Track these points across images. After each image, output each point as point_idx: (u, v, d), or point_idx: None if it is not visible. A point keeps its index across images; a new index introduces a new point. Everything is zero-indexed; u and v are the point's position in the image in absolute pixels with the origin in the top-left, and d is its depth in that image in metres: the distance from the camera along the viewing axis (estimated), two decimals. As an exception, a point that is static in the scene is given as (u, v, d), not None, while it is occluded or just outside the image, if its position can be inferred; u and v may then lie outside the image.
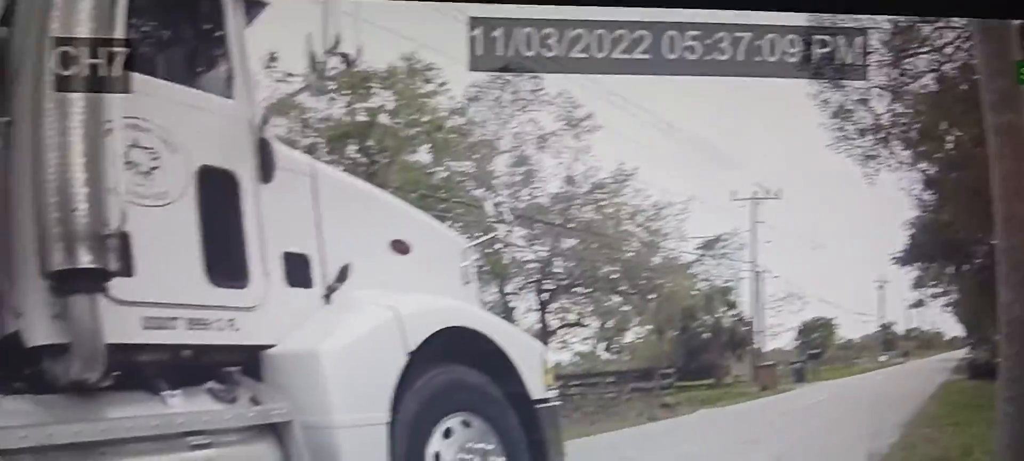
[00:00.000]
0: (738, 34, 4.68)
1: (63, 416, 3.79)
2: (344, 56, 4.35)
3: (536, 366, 4.97)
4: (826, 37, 4.77)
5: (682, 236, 7.06)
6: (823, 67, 4.87)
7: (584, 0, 4.42)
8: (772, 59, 4.72)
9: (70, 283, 3.78)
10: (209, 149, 4.26)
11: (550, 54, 4.50)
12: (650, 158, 5.72)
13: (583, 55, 4.53)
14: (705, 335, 7.91)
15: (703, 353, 8.34)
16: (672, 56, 4.62)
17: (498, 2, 4.45)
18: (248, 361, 4.37)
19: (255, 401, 4.23)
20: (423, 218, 5.42)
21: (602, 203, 6.85)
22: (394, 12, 4.56)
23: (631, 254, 7.09)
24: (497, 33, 4.46)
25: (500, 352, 4.81)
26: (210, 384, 4.21)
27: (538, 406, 4.90)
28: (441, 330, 4.61)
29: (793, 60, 4.77)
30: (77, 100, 3.85)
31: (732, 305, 8.01)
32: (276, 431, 4.18)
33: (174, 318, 4.11)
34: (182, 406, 4.06)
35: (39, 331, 3.82)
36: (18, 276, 3.89)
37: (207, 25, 4.55)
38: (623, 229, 6.97)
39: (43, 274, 3.77)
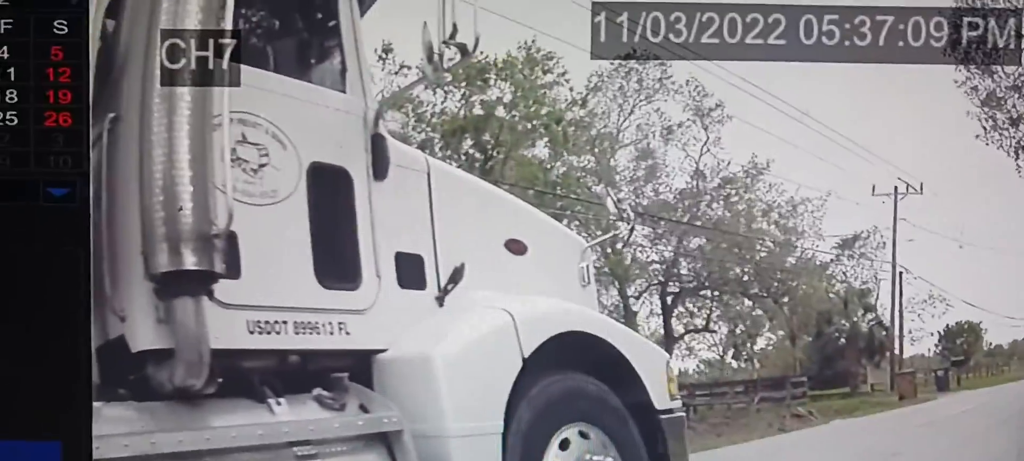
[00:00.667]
0: (880, 17, 4.42)
1: (166, 424, 3.73)
2: (461, 46, 4.21)
3: (659, 374, 4.77)
4: (976, 19, 4.49)
5: (818, 234, 6.76)
6: (973, 51, 4.60)
7: (715, -16, 4.18)
8: (917, 44, 4.45)
9: (175, 286, 3.72)
10: (321, 145, 4.18)
11: (678, 40, 4.32)
12: (785, 151, 5.49)
13: (714, 40, 4.33)
14: (841, 341, 7.58)
15: (838, 360, 7.98)
16: (809, 41, 4.40)
17: (621, -13, 4.23)
18: (358, 366, 4.27)
19: (364, 409, 4.13)
20: (540, 216, 5.26)
21: (732, 199, 6.58)
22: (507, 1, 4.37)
23: (763, 254, 6.79)
24: (622, 18, 4.29)
25: (621, 359, 4.62)
26: (318, 391, 4.11)
27: (661, 417, 4.71)
28: (558, 335, 4.45)
29: (940, 44, 4.50)
30: (184, 94, 3.79)
31: (870, 308, 7.64)
32: (386, 440, 4.07)
33: (282, 322, 4.02)
34: (288, 414, 3.97)
35: (143, 336, 3.78)
36: (122, 278, 3.86)
37: (319, 15, 4.48)
38: (755, 227, 6.69)
39: (148, 276, 3.72)
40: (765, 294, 7.15)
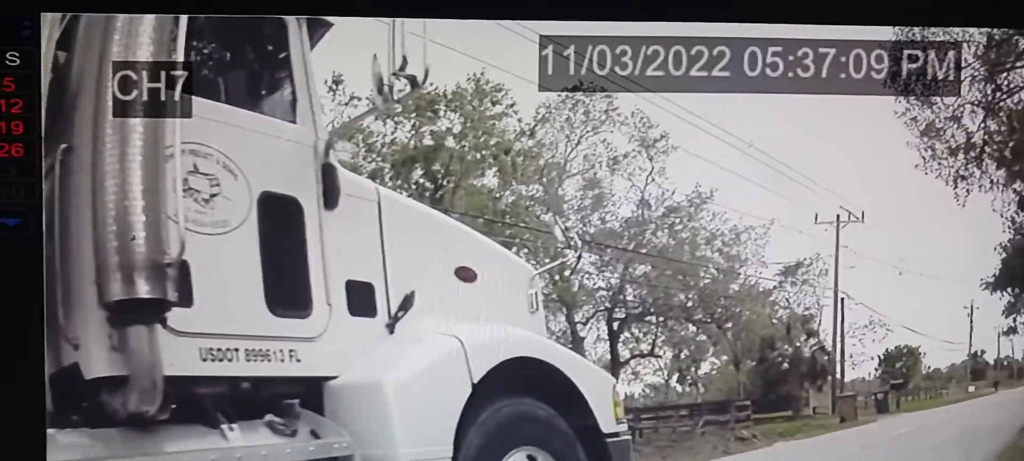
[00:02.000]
0: (823, 49, 4.55)
1: (120, 450, 3.81)
2: (411, 78, 4.35)
3: (606, 398, 4.90)
4: (916, 51, 4.64)
5: (762, 262, 6.83)
6: (912, 83, 4.73)
7: (661, 16, 4.29)
8: (858, 75, 4.59)
9: (128, 314, 3.79)
10: (272, 175, 4.25)
11: (624, 72, 4.43)
12: (729, 180, 5.56)
13: (659, 73, 4.45)
14: (784, 365, 7.67)
15: (781, 384, 8.11)
16: (753, 73, 4.51)
17: (570, 19, 4.33)
18: (309, 393, 4.33)
19: (315, 435, 4.21)
20: (489, 244, 5.37)
21: (677, 227, 6.64)
22: (462, 32, 4.49)
23: (707, 281, 6.87)
24: (568, 51, 4.38)
25: (569, 384, 4.74)
26: (269, 417, 4.19)
27: (608, 440, 4.83)
28: (507, 361, 4.55)
29: (880, 76, 4.64)
30: (136, 125, 3.88)
31: (813, 333, 7.75)
32: None
33: (234, 349, 4.10)
34: (241, 440, 4.05)
35: (97, 363, 3.84)
36: (75, 307, 3.92)
37: (270, 47, 4.55)
38: (699, 255, 6.76)
39: (101, 305, 3.79)
40: (709, 320, 7.25)
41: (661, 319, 6.97)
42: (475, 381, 4.42)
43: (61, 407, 3.91)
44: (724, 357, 7.75)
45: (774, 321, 7.66)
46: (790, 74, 4.55)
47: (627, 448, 4.97)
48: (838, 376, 7.97)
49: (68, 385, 3.90)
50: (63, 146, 3.94)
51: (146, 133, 3.86)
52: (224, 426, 4.07)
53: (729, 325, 7.06)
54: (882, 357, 7.90)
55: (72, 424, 3.88)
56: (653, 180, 6.20)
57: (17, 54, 3.90)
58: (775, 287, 7.22)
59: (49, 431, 3.86)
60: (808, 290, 7.31)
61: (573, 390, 4.74)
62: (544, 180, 5.88)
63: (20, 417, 3.98)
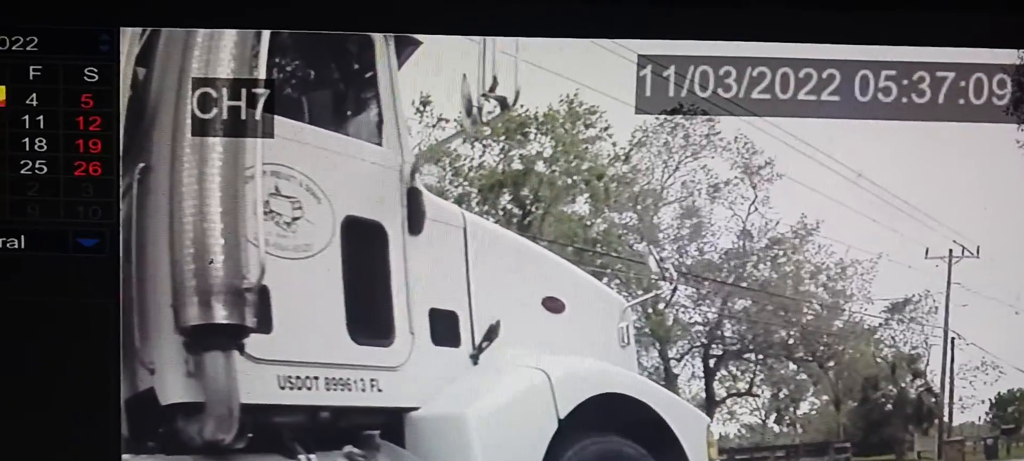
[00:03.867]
0: (941, 73, 4.37)
1: None
2: (501, 99, 4.28)
3: (699, 439, 4.87)
4: None
5: (868, 298, 6.58)
6: None
7: (767, 36, 4.11)
8: (978, 102, 4.42)
9: (205, 339, 3.77)
10: (356, 199, 4.20)
11: (727, 95, 4.32)
12: (836, 211, 5.35)
13: (765, 96, 4.32)
14: (887, 407, 7.36)
15: (884, 426, 7.79)
16: (864, 98, 4.36)
17: (670, 38, 4.19)
18: (390, 424, 4.24)
19: None
20: (579, 274, 5.17)
21: (780, 260, 6.44)
22: (555, 52, 4.39)
23: (810, 317, 6.64)
24: (668, 72, 4.28)
25: (660, 422, 4.65)
26: (348, 448, 4.11)
27: None
28: (595, 396, 4.45)
29: (1003, 103, 4.45)
30: (216, 145, 3.85)
31: (919, 374, 7.43)
32: None
33: (313, 377, 4.03)
34: None
35: (173, 389, 3.83)
36: (152, 330, 3.91)
37: (356, 66, 4.47)
38: (802, 289, 6.53)
39: (178, 329, 3.79)
40: (811, 358, 6.99)
41: (760, 357, 6.74)
42: (561, 416, 4.31)
43: (136, 433, 3.90)
44: (825, 397, 7.47)
45: (879, 360, 7.38)
46: (904, 99, 4.39)
47: None
48: (945, 419, 7.66)
49: (144, 411, 3.88)
50: (141, 165, 3.93)
51: (226, 153, 3.83)
52: (302, 456, 4.00)
53: (831, 364, 6.82)
54: (993, 400, 7.56)
55: (148, 450, 3.88)
56: (756, 209, 6.01)
57: (95, 70, 3.87)
58: (881, 325, 6.95)
59: (124, 457, 3.87)
60: (916, 328, 7.01)
61: (665, 429, 4.66)
62: (639, 207, 5.75)
63: (96, 443, 3.98)
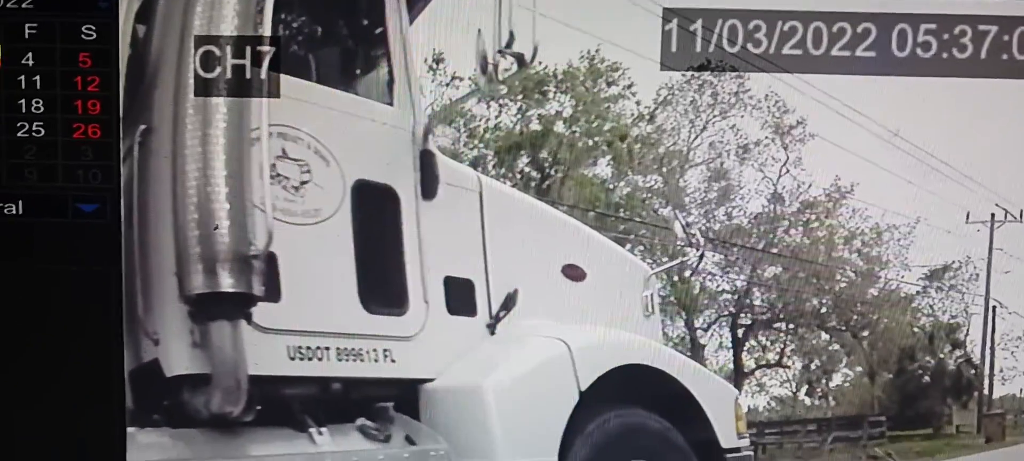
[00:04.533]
0: (983, 27, 4.20)
1: (203, 452, 3.76)
2: (518, 56, 4.13)
3: (727, 411, 4.70)
4: None
5: (904, 265, 6.49)
6: None
7: (800, -12, 3.99)
8: (1022, 57, 4.21)
9: (211, 308, 3.71)
10: (366, 161, 4.15)
11: (758, 50, 4.14)
12: (871, 173, 5.25)
13: (797, 52, 4.14)
14: (924, 378, 7.29)
15: (921, 399, 7.69)
16: (902, 54, 4.19)
17: (694, -12, 4.06)
18: (404, 396, 4.23)
19: (410, 441, 4.12)
20: (601, 240, 5.14)
21: (812, 225, 6.35)
22: (575, 4, 4.33)
23: (843, 285, 6.55)
24: (695, 26, 4.11)
25: (686, 395, 4.54)
26: (361, 421, 4.10)
27: (728, 456, 4.65)
28: (618, 368, 4.36)
29: None
30: (220, 105, 3.74)
31: (959, 344, 7.34)
32: None
33: (324, 347, 4.00)
34: (331, 444, 3.97)
35: (178, 360, 3.77)
36: (155, 299, 3.83)
37: (365, 22, 4.41)
38: (836, 256, 6.46)
39: (182, 298, 3.72)
40: (844, 328, 6.90)
41: (791, 326, 6.64)
42: (582, 389, 4.24)
43: (141, 405, 3.80)
44: (858, 368, 7.40)
45: (916, 330, 7.28)
46: (944, 55, 4.23)
47: None
48: (986, 392, 7.55)
49: (148, 382, 3.81)
50: (142, 127, 3.85)
51: (230, 114, 3.73)
52: (313, 430, 3.97)
53: (865, 333, 6.73)
54: (1036, 372, 7.45)
55: (153, 423, 3.82)
56: (787, 171, 5.92)
57: (93, 27, 3.78)
58: (918, 293, 6.85)
59: (129, 430, 3.72)
60: (955, 296, 6.91)
61: (691, 402, 4.55)
62: (664, 170, 5.67)
63: (100, 414, 3.92)
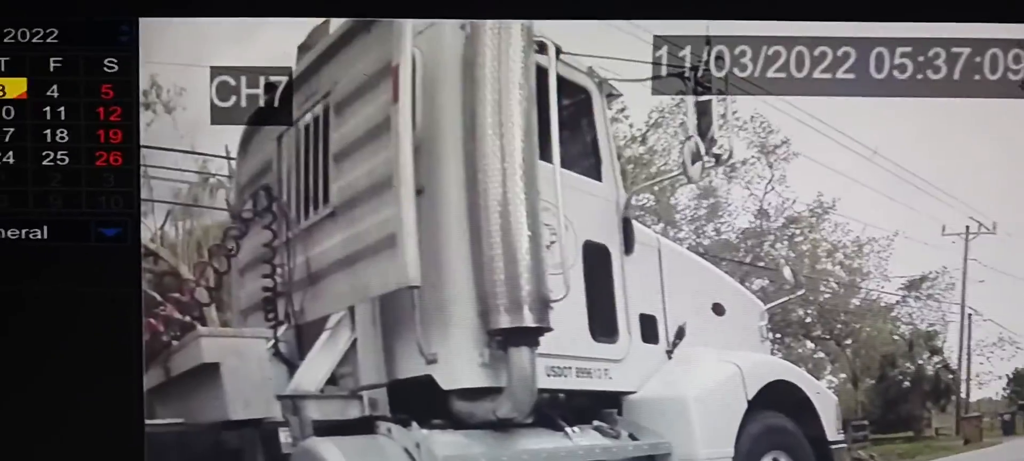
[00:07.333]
0: (956, 49, 4.32)
1: (494, 448, 4.52)
2: (717, 156, 5.02)
3: (832, 413, 5.82)
4: None
5: (884, 275, 6.60)
6: None
7: (782, 15, 4.07)
8: (993, 77, 4.36)
9: (514, 337, 4.40)
10: (589, 225, 5.03)
11: (743, 74, 4.30)
12: (852, 189, 5.33)
13: (781, 75, 4.29)
14: (905, 384, 7.34)
15: (902, 403, 7.74)
16: (880, 75, 4.33)
17: (686, 18, 4.18)
18: (613, 404, 5.14)
19: (632, 437, 5.04)
20: (731, 282, 6.07)
21: (797, 239, 6.47)
22: (571, 33, 4.48)
23: (827, 296, 6.67)
24: (684, 52, 4.27)
25: (807, 400, 5.61)
26: (597, 422, 5.00)
27: (832, 447, 5.74)
28: (770, 382, 5.43)
29: (1018, 78, 4.38)
30: (519, 179, 4.41)
31: (937, 351, 7.39)
32: None
33: (568, 367, 4.85)
34: (582, 439, 4.86)
35: (463, 376, 4.46)
36: (435, 329, 4.45)
37: (583, 120, 5.21)
38: (819, 268, 6.59)
39: (486, 330, 4.41)
40: (828, 336, 6.96)
41: (778, 336, 6.73)
42: (750, 398, 5.29)
43: (424, 410, 4.49)
44: (842, 375, 7.44)
45: (896, 337, 7.37)
46: (920, 76, 4.35)
47: (844, 454, 5.90)
48: (963, 396, 7.61)
49: (426, 392, 4.48)
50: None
51: (528, 188, 4.40)
52: (568, 429, 4.83)
53: (848, 342, 6.87)
54: (1011, 376, 7.50)
55: (438, 426, 4.48)
56: (772, 188, 6.11)
57: (115, 61, 3.86)
58: (898, 302, 6.95)
59: (424, 431, 4.41)
60: (933, 305, 6.97)
61: (809, 406, 5.61)
62: (655, 189, 5.83)
63: (117, 425, 4.00)
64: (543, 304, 4.40)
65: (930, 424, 8.30)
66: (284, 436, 4.25)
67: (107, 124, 3.88)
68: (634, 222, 5.35)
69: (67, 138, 3.90)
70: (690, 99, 4.74)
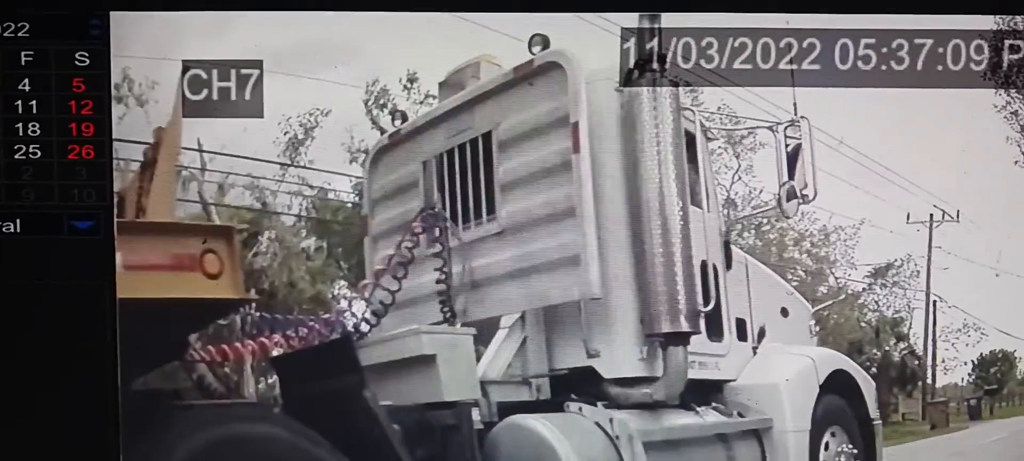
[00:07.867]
0: (919, 40, 4.37)
1: (650, 423, 5.38)
2: (804, 196, 5.68)
3: (872, 395, 6.66)
4: (1018, 42, 4.42)
5: (851, 263, 6.83)
6: (1014, 75, 4.54)
7: (748, 7, 4.09)
8: (956, 68, 4.40)
9: (672, 339, 5.32)
10: (703, 247, 5.66)
11: (710, 66, 4.33)
12: (819, 178, 5.38)
13: (747, 66, 4.32)
14: (872, 370, 7.41)
15: (870, 390, 7.83)
16: (844, 66, 4.36)
17: (653, 10, 4.17)
18: (718, 390, 6.05)
19: (740, 415, 6.01)
20: (789, 289, 6.94)
21: (764, 228, 6.73)
22: (536, 26, 4.58)
23: (795, 284, 6.94)
24: (652, 44, 4.34)
25: (855, 385, 6.50)
26: (714, 403, 5.94)
27: (874, 423, 6.62)
28: (834, 371, 6.36)
29: (980, 68, 4.44)
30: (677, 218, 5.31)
31: (903, 337, 7.49)
32: (756, 434, 5.99)
33: (695, 361, 5.57)
34: (710, 416, 5.84)
35: (623, 366, 5.37)
36: (599, 329, 5.35)
37: (690, 156, 5.65)
38: (786, 256, 6.91)
39: (648, 332, 5.34)
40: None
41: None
42: (821, 383, 6.21)
43: (582, 391, 5.40)
44: (809, 362, 7.52)
45: (862, 324, 7.49)
46: (883, 67, 4.39)
47: (880, 430, 6.72)
48: (929, 381, 7.70)
49: (584, 380, 5.43)
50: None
51: (684, 226, 5.32)
52: (697, 408, 5.76)
53: (817, 329, 6.96)
54: (975, 362, 7.60)
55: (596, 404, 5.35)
56: (739, 178, 6.33)
57: (87, 54, 3.84)
58: (864, 289, 7.09)
59: (610, 413, 5.28)
60: (898, 292, 7.11)
61: (858, 389, 6.52)
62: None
63: (89, 421, 3.97)
64: (695, 313, 5.37)
65: (897, 410, 8.39)
66: (475, 415, 4.97)
67: (79, 118, 3.85)
68: (732, 246, 6.33)
69: (39, 132, 3.87)
70: (783, 149, 5.62)
